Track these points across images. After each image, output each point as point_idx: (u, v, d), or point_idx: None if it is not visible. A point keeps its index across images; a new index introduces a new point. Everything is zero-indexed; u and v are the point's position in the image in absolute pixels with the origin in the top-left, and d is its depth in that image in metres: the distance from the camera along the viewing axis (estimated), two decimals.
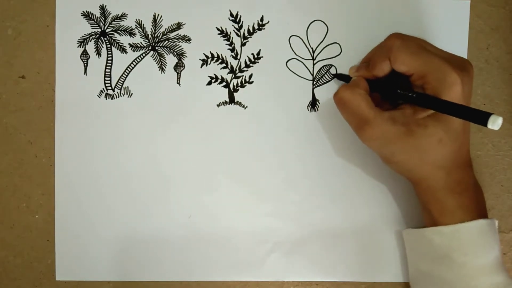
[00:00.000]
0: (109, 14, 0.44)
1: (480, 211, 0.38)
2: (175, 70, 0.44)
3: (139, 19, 0.44)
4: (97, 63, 0.44)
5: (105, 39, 0.44)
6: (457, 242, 0.37)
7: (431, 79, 0.36)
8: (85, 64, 0.44)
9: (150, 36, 0.44)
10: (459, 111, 0.34)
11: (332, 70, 0.45)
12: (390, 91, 0.39)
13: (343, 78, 0.44)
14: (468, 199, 0.38)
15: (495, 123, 0.31)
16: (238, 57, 0.44)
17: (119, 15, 0.44)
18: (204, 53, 0.44)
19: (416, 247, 0.41)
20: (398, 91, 0.39)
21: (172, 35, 0.44)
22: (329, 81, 0.44)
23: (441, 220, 0.38)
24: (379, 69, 0.39)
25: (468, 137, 0.39)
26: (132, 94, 0.44)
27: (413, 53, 0.37)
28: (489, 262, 0.37)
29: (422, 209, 0.41)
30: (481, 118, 0.32)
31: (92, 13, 0.44)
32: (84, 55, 0.44)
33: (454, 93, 0.35)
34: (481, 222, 0.37)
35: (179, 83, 0.44)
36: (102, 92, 0.44)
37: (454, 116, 0.34)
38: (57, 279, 0.44)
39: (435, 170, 0.38)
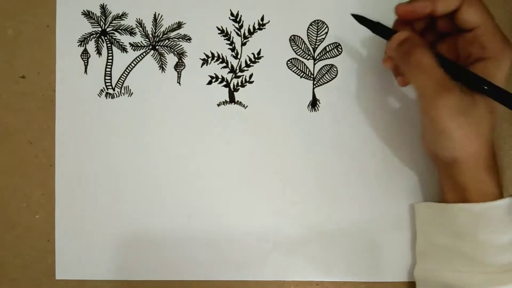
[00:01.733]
0: (110, 13, 0.44)
1: (501, 191, 0.38)
2: (176, 70, 0.44)
3: (139, 19, 0.44)
4: (97, 63, 0.44)
5: (106, 38, 0.44)
6: (485, 219, 0.37)
7: (493, 40, 0.35)
8: (86, 64, 0.44)
9: (150, 36, 0.44)
10: (504, 97, 0.35)
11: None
12: (455, 67, 0.37)
13: (368, 25, 0.39)
14: (499, 180, 0.38)
15: None
16: (239, 57, 0.44)
17: (120, 15, 0.44)
18: (204, 53, 0.44)
19: (436, 221, 0.40)
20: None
21: (172, 34, 0.44)
22: (330, 81, 0.44)
23: (475, 199, 0.37)
24: (446, 4, 0.35)
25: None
26: (132, 93, 0.44)
27: (484, 5, 0.35)
28: (511, 240, 0.37)
29: (450, 189, 0.39)
30: None
31: (93, 13, 0.44)
32: (85, 54, 0.44)
33: (505, 67, 0.35)
34: (508, 200, 0.37)
35: (179, 83, 0.44)
36: (103, 92, 0.44)
37: (499, 101, 0.35)
38: (57, 278, 0.44)
39: (483, 146, 0.36)
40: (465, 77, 0.36)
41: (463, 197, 0.38)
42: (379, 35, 0.39)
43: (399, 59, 0.37)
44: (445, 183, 0.40)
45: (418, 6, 0.36)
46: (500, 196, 0.37)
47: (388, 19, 0.44)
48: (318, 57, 0.44)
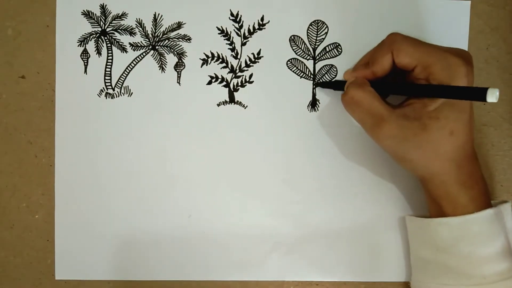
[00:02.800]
0: (110, 13, 0.44)
1: (487, 202, 0.38)
2: (175, 70, 0.44)
3: (139, 19, 0.44)
4: (97, 63, 0.44)
5: (106, 38, 0.44)
6: (464, 232, 0.37)
7: (436, 69, 0.36)
8: (85, 63, 0.44)
9: (150, 36, 0.44)
10: (458, 92, 0.34)
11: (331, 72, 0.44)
12: (390, 87, 0.39)
13: (332, 85, 0.44)
14: (478, 192, 0.38)
15: (493, 95, 0.31)
16: (239, 57, 0.44)
17: (120, 15, 0.44)
18: (204, 53, 0.44)
19: (419, 235, 0.41)
20: (398, 83, 0.38)
21: (172, 34, 0.44)
22: (330, 80, 0.44)
23: (451, 212, 0.38)
24: (380, 65, 0.38)
25: (473, 130, 0.39)
26: (132, 93, 0.44)
27: (416, 45, 0.37)
28: (496, 250, 0.37)
29: (430, 202, 0.41)
30: (479, 94, 0.32)
31: (93, 12, 0.44)
32: (85, 54, 0.44)
33: (460, 81, 0.36)
34: (488, 212, 0.37)
35: (179, 83, 0.44)
36: (102, 92, 0.44)
37: (456, 98, 0.35)
38: (56, 278, 0.44)
39: (447, 164, 0.37)
40: (419, 91, 0.37)
41: (441, 211, 0.39)
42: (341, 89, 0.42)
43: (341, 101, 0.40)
44: (426, 197, 0.41)
45: (360, 74, 0.40)
46: (480, 207, 0.37)
47: (388, 19, 0.45)
48: (318, 57, 0.44)
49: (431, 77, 0.37)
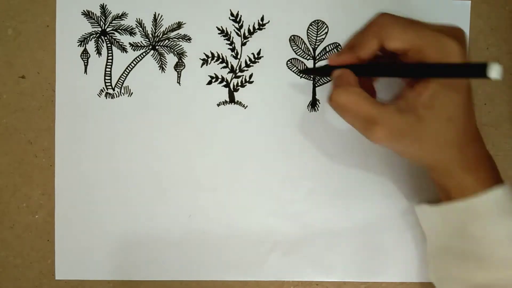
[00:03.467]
0: (110, 13, 0.44)
1: (496, 181, 0.37)
2: (175, 70, 0.44)
3: (139, 19, 0.44)
4: (97, 62, 0.44)
5: (106, 38, 0.44)
6: (473, 215, 0.36)
7: (430, 51, 0.34)
8: (86, 63, 0.44)
9: (150, 36, 0.44)
10: (456, 70, 0.32)
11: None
12: (381, 68, 0.37)
13: (317, 72, 0.43)
14: (485, 174, 0.37)
15: (494, 70, 0.28)
16: (239, 57, 0.44)
17: (120, 15, 0.44)
18: (204, 53, 0.44)
19: (432, 223, 0.40)
20: (387, 64, 0.36)
21: (172, 34, 0.44)
22: (330, 80, 0.44)
23: (458, 197, 0.37)
24: (365, 50, 0.36)
25: (473, 110, 0.37)
26: (132, 93, 0.44)
27: (406, 27, 0.35)
28: (510, 230, 0.36)
29: (439, 189, 0.39)
30: (480, 69, 0.29)
31: (93, 13, 0.44)
32: (85, 54, 0.44)
33: (455, 61, 0.34)
34: (494, 191, 0.36)
35: (179, 83, 0.44)
36: (102, 92, 0.44)
37: (453, 77, 0.33)
38: (57, 278, 0.44)
39: (449, 151, 0.36)
40: (411, 71, 0.35)
41: (448, 196, 0.38)
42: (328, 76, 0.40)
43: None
44: (435, 184, 0.40)
45: (345, 58, 0.37)
46: (488, 188, 0.36)
47: None
48: (318, 57, 0.44)
49: (425, 60, 0.35)
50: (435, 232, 0.40)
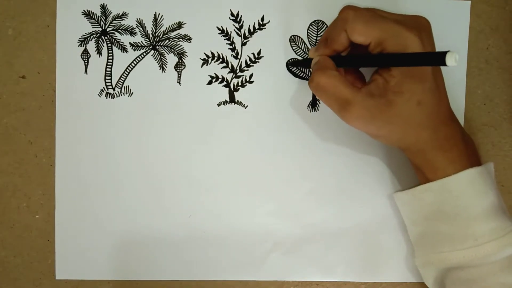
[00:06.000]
0: (110, 13, 0.44)
1: (472, 162, 0.38)
2: (176, 70, 0.44)
3: (139, 18, 0.44)
4: (97, 62, 0.44)
5: (106, 38, 0.44)
6: (447, 195, 0.38)
7: (389, 44, 0.36)
8: (86, 63, 0.44)
9: (150, 36, 0.44)
10: (416, 59, 0.34)
11: None
12: (352, 60, 0.39)
13: (300, 64, 0.44)
14: (458, 153, 0.38)
15: (452, 58, 0.30)
16: (239, 57, 0.44)
17: (120, 14, 0.44)
18: (204, 53, 0.44)
19: (409, 208, 0.42)
20: (356, 56, 0.39)
21: (172, 34, 0.44)
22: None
23: (433, 178, 0.38)
24: (337, 43, 0.38)
25: (445, 92, 0.39)
26: (132, 93, 0.44)
27: (367, 22, 0.36)
28: (484, 209, 0.37)
29: (416, 171, 0.41)
30: (439, 58, 0.31)
31: (93, 12, 0.44)
32: (85, 54, 0.44)
33: (414, 51, 0.35)
34: (468, 171, 0.37)
35: (179, 83, 0.44)
36: (103, 91, 0.44)
37: (414, 65, 0.35)
38: (57, 278, 0.44)
39: (421, 132, 0.37)
40: (376, 61, 0.37)
41: (425, 178, 0.39)
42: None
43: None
44: (412, 167, 0.41)
45: (321, 51, 0.40)
46: (462, 168, 0.37)
47: None
48: None
49: (385, 52, 0.36)
50: (413, 218, 0.41)
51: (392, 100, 0.36)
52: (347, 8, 0.38)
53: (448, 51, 0.30)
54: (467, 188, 0.37)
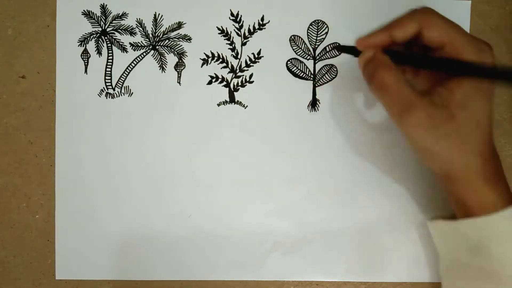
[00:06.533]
0: (110, 13, 0.44)
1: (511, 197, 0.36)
2: (176, 70, 0.44)
3: (139, 19, 0.44)
4: (97, 62, 0.44)
5: (106, 38, 0.44)
6: (492, 232, 0.35)
7: (467, 50, 0.34)
8: (86, 63, 0.44)
9: (150, 36, 0.44)
10: (492, 72, 0.32)
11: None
12: (415, 57, 0.36)
13: (346, 49, 0.40)
14: (504, 188, 0.36)
15: None
16: (239, 57, 0.44)
17: (120, 14, 0.44)
18: (204, 53, 0.44)
19: (448, 239, 0.40)
20: (427, 57, 0.36)
21: (172, 34, 0.44)
22: (330, 80, 0.44)
23: (479, 212, 0.36)
24: (403, 31, 0.35)
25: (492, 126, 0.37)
26: (132, 93, 0.44)
27: (449, 22, 0.35)
28: None
29: (455, 202, 0.38)
30: None
31: (93, 12, 0.44)
32: (85, 54, 0.44)
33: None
34: None
35: (179, 83, 0.44)
36: (103, 91, 0.44)
37: (489, 78, 0.33)
38: (57, 278, 0.44)
39: (474, 158, 0.35)
40: (440, 65, 0.35)
41: (467, 211, 0.37)
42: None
43: (366, 80, 0.37)
44: (448, 198, 0.39)
45: (377, 39, 0.36)
46: (507, 204, 0.35)
47: (388, 19, 0.44)
48: (318, 57, 0.44)
49: (461, 58, 0.34)
50: (449, 248, 0.40)
51: (455, 114, 0.34)
52: (428, 7, 0.36)
53: None
54: None
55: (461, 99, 0.34)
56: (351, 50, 0.39)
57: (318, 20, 0.44)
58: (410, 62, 0.37)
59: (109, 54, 0.44)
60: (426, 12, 0.35)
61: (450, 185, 0.37)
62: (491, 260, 0.36)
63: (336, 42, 0.44)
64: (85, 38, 0.44)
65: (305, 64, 0.44)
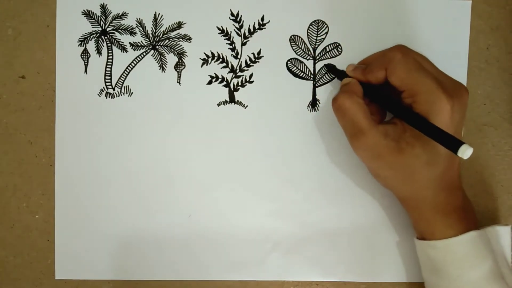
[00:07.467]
0: (110, 13, 0.44)
1: (470, 227, 0.38)
2: (176, 69, 0.44)
3: (139, 18, 0.44)
4: (97, 62, 0.44)
5: (106, 38, 0.44)
6: (451, 255, 0.38)
7: (421, 100, 0.36)
8: (86, 63, 0.44)
9: (150, 35, 0.44)
10: (434, 134, 0.34)
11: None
12: (380, 98, 0.40)
13: (335, 72, 0.44)
14: (456, 219, 0.38)
15: (464, 152, 0.32)
16: (239, 57, 0.44)
17: (120, 14, 0.44)
18: (204, 53, 0.44)
19: (420, 256, 0.42)
20: (387, 100, 0.39)
21: (172, 34, 0.44)
22: (330, 81, 0.44)
23: (430, 237, 0.39)
24: (374, 76, 0.39)
25: (457, 162, 0.39)
26: (132, 93, 0.44)
27: (409, 70, 0.37)
28: (484, 273, 0.37)
29: (412, 223, 0.41)
30: (453, 145, 0.32)
31: (93, 12, 0.44)
32: (85, 54, 0.44)
33: (441, 118, 0.35)
34: (471, 234, 0.37)
35: (179, 82, 0.44)
36: (103, 91, 0.44)
37: (429, 137, 0.35)
38: (56, 278, 0.44)
39: (421, 190, 0.38)
40: (400, 112, 0.38)
41: (423, 235, 0.40)
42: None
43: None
44: (410, 219, 0.42)
45: (357, 75, 0.41)
46: (461, 232, 0.37)
47: (388, 19, 0.44)
48: (318, 57, 0.44)
49: (414, 105, 0.37)
50: (423, 266, 0.42)
51: (403, 149, 0.37)
52: (397, 49, 0.38)
53: (465, 143, 0.32)
54: (471, 251, 0.37)
55: (410, 137, 0.37)
56: (339, 74, 0.43)
57: (318, 20, 0.44)
58: (375, 99, 0.40)
59: (109, 54, 0.44)
60: (392, 59, 0.38)
61: (404, 207, 0.41)
62: (449, 282, 0.38)
63: (336, 43, 0.44)
64: (85, 38, 0.44)
65: (305, 64, 0.44)
